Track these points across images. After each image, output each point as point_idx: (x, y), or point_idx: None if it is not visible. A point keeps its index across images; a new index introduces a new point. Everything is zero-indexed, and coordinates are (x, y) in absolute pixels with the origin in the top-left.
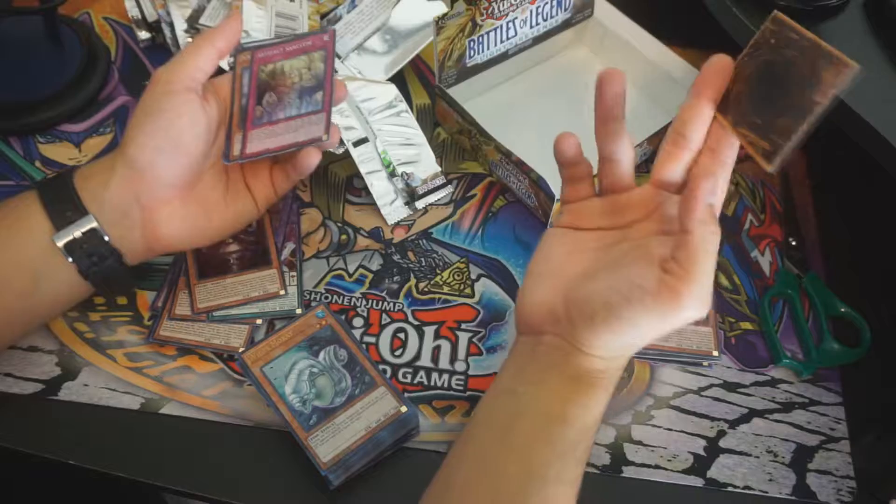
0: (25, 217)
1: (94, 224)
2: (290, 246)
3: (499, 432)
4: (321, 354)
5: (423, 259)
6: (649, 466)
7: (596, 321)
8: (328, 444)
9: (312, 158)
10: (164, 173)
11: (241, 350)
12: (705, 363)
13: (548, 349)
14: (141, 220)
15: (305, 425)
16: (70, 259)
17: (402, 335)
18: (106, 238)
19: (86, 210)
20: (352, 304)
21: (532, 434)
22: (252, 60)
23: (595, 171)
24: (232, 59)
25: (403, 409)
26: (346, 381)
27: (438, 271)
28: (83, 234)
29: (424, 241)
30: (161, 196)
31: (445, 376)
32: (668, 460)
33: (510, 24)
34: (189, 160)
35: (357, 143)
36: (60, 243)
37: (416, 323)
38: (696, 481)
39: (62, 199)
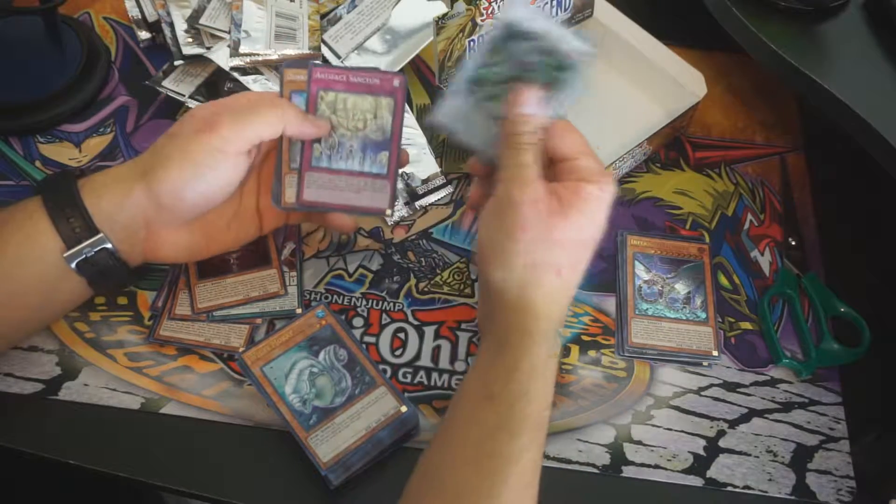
0: (34, 234)
1: (108, 245)
2: (290, 246)
3: (444, 423)
4: (321, 354)
5: (423, 259)
6: (649, 466)
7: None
8: (328, 444)
9: (348, 227)
10: (184, 214)
11: (241, 350)
12: (705, 363)
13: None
14: (145, 239)
15: (305, 425)
16: (80, 274)
17: (402, 335)
18: (116, 254)
19: (97, 229)
20: (352, 304)
21: (464, 417)
22: (309, 80)
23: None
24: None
25: (403, 408)
26: (346, 380)
27: (438, 271)
28: (95, 252)
29: (424, 241)
30: (170, 227)
31: (445, 376)
32: (668, 460)
33: None
34: (211, 206)
35: None
36: (73, 263)
37: (416, 323)
38: (696, 481)
39: (72, 217)
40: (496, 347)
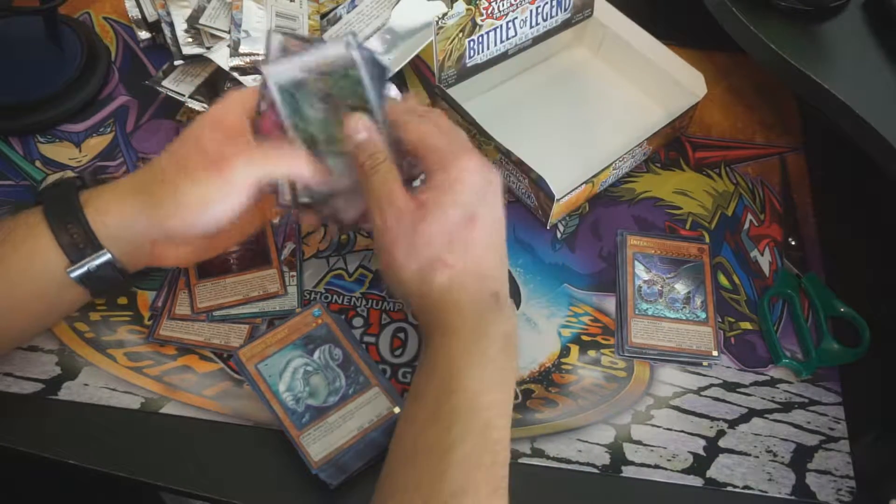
0: (37, 250)
1: (109, 257)
2: (290, 246)
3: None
4: (316, 353)
5: None
6: (649, 466)
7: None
8: (320, 444)
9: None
10: (191, 235)
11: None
12: (705, 363)
13: None
14: (151, 253)
15: (298, 423)
16: (83, 286)
17: (402, 335)
18: (118, 265)
19: (101, 245)
20: (352, 303)
21: (402, 418)
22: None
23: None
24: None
25: (397, 409)
26: (340, 380)
27: None
28: (98, 266)
29: None
30: (177, 243)
31: None
32: (668, 460)
33: (510, 24)
34: (219, 227)
35: None
36: (75, 275)
37: (415, 323)
38: (696, 481)
39: (75, 233)
40: (422, 349)
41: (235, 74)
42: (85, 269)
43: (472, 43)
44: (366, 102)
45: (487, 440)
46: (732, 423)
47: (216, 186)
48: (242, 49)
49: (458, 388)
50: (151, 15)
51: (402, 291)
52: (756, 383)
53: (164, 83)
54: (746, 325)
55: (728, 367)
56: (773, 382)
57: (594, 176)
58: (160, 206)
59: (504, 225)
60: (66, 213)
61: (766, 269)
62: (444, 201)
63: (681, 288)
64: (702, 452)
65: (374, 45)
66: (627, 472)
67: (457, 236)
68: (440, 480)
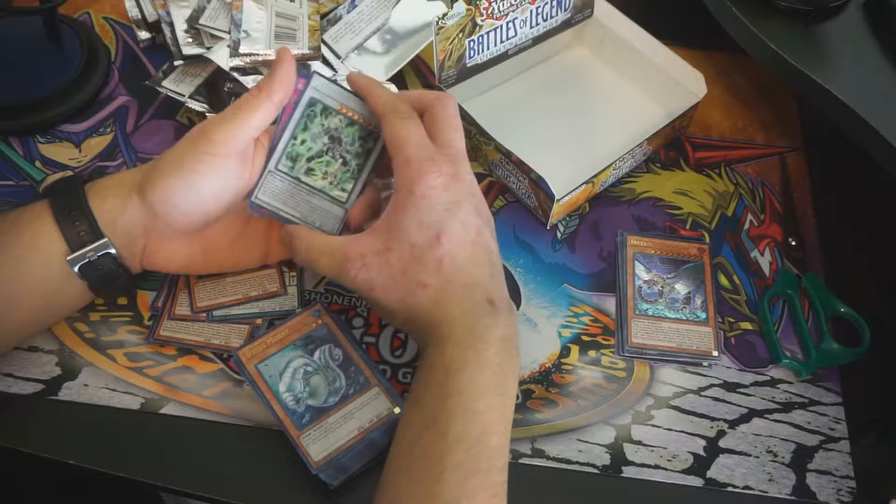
0: (40, 237)
1: (111, 250)
2: None
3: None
4: (316, 353)
5: None
6: (649, 466)
7: None
8: (320, 444)
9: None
10: (179, 223)
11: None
12: (705, 363)
13: None
14: (144, 247)
15: (298, 424)
16: (83, 278)
17: (402, 335)
18: (119, 259)
19: (102, 233)
20: (352, 303)
21: (400, 425)
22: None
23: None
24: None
25: (397, 410)
26: (340, 380)
27: None
28: (98, 257)
29: None
30: (168, 236)
31: None
32: (668, 460)
33: (510, 24)
34: (206, 217)
35: None
36: (76, 266)
37: None
38: (696, 481)
39: (77, 220)
40: (420, 360)
41: (235, 74)
42: (85, 259)
43: (472, 43)
44: (356, 171)
45: (485, 446)
46: (732, 424)
47: (194, 151)
48: (242, 49)
49: (454, 391)
50: (151, 15)
51: (395, 322)
52: (756, 383)
53: (164, 83)
54: (746, 326)
55: (728, 368)
56: (773, 382)
57: (594, 176)
58: (144, 182)
59: (485, 233)
60: (71, 202)
61: (766, 269)
62: (407, 225)
63: (681, 288)
64: (702, 453)
65: (374, 45)
66: (627, 472)
67: (427, 256)
68: (436, 486)
